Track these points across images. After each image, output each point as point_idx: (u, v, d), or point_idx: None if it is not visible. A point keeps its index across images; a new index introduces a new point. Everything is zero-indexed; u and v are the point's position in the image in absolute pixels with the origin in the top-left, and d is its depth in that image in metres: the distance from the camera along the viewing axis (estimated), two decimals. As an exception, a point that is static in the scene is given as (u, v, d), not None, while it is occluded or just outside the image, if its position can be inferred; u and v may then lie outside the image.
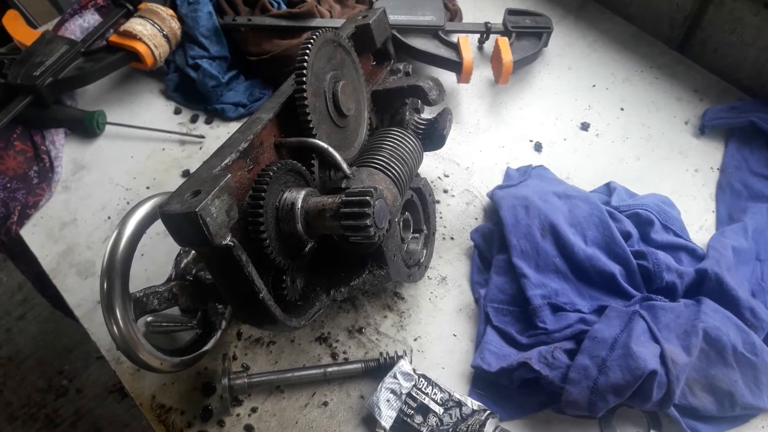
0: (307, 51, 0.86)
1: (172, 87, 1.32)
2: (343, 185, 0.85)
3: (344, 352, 1.03)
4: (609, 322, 0.93)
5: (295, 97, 0.86)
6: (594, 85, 1.35)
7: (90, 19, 1.37)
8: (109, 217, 1.18)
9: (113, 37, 1.25)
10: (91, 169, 1.24)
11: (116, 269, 0.82)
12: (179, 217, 0.67)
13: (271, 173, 0.77)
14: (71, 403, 2.42)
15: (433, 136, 1.09)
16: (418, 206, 1.05)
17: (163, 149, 1.26)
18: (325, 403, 0.98)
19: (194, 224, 0.67)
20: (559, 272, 1.01)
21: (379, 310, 1.07)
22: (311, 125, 0.86)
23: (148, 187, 1.21)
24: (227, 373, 0.95)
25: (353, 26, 1.10)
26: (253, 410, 0.98)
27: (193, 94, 1.31)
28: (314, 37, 0.89)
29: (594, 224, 1.03)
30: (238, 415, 0.98)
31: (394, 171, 0.91)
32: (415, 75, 1.19)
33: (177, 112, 1.32)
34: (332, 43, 0.93)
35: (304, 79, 0.85)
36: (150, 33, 1.24)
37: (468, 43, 1.27)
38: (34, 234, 1.16)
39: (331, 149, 0.86)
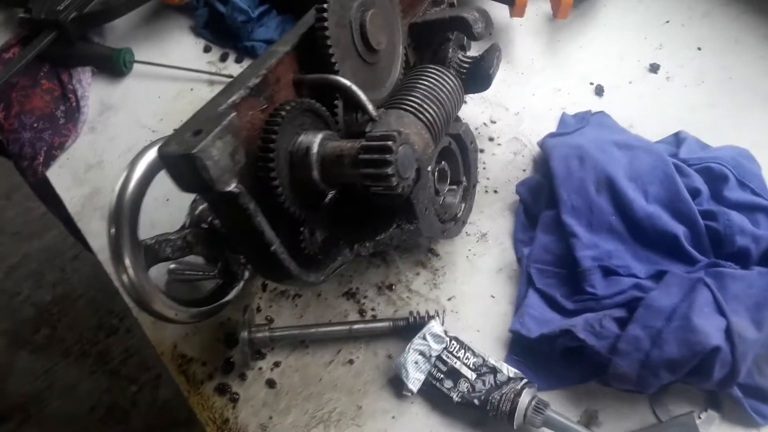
0: (331, -25, 0.76)
1: (202, 23, 1.24)
2: (368, 129, 0.76)
3: (372, 309, 0.96)
4: (668, 289, 0.82)
5: (315, 27, 0.76)
6: (667, 21, 1.19)
7: (119, -51, 1.29)
8: (135, 160, 1.13)
9: (139, -32, 1.18)
10: (119, 109, 1.19)
11: (124, 214, 0.76)
12: (177, 159, 0.60)
13: (284, 113, 0.69)
14: (121, 341, 2.49)
15: (477, 75, 0.98)
16: (457, 155, 0.94)
17: (192, 89, 1.20)
18: (351, 361, 0.92)
19: (193, 167, 0.60)
20: (614, 232, 0.90)
21: (412, 267, 0.99)
22: (333, 60, 0.77)
23: (174, 129, 1.15)
24: (248, 326, 0.90)
25: (391, -49, 0.98)
26: (276, 365, 0.93)
27: (222, 31, 1.23)
28: (339, -41, 0.78)
29: (657, 178, 0.90)
30: (260, 369, 0.93)
31: (427, 114, 0.81)
32: (461, 6, 1.07)
33: (206, 50, 1.24)
34: (362, -33, 0.82)
35: (326, 5, 0.75)
36: (177, -37, 1.16)
37: (523, -28, 1.12)
38: (59, 176, 1.13)
39: (354, 87, 0.76)
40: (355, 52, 0.82)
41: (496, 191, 1.04)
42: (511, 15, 1.14)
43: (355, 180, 0.69)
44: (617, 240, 0.89)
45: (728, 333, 0.77)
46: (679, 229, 0.87)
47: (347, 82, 0.76)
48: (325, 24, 0.75)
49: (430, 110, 0.82)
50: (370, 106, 0.77)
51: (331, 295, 0.97)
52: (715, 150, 0.96)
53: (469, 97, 1.13)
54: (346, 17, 0.80)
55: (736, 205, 0.89)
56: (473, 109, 1.12)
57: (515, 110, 1.12)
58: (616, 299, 0.85)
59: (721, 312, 0.77)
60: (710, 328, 0.76)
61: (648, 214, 0.88)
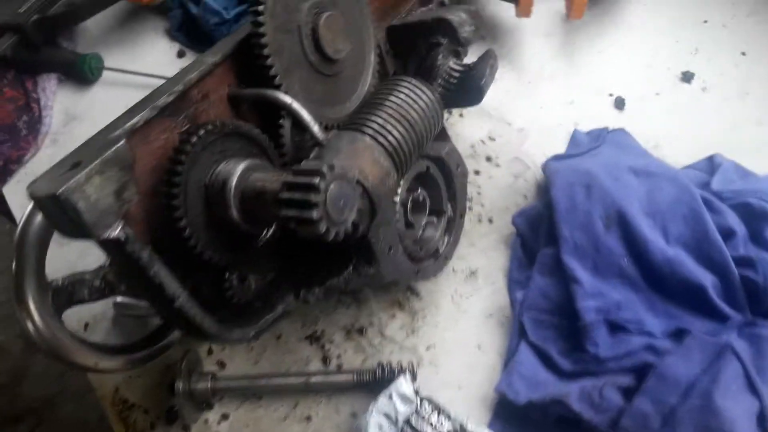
0: (270, -31, 0.63)
1: (176, 26, 1.14)
2: (312, 156, 0.63)
3: (338, 357, 0.83)
4: (687, 355, 0.66)
5: (250, 34, 0.63)
6: (706, 21, 1.01)
7: (95, -55, 1.19)
8: (95, 177, 1.02)
9: (107, -34, 1.07)
10: (84, 120, 1.09)
11: (29, 250, 0.66)
12: (43, 201, 0.48)
13: (195, 138, 0.56)
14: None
15: (467, 87, 0.83)
16: (439, 181, 0.80)
17: (162, 98, 1.08)
18: (309, 418, 0.79)
19: (62, 210, 0.48)
20: (625, 278, 0.74)
21: (387, 307, 0.85)
22: (273, 72, 0.63)
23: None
24: (187, 376, 0.78)
25: (369, -60, 0.84)
26: (224, 417, 0.81)
27: (198, 35, 1.12)
28: (287, -51, 0.65)
29: (681, 215, 0.74)
30: (206, 421, 0.81)
31: (389, 137, 0.67)
32: (454, 5, 0.92)
33: (180, 54, 1.13)
34: (318, -40, 0.69)
35: (261, 8, 0.62)
36: (146, -40, 1.05)
37: (531, -36, 0.97)
38: (15, 193, 1.04)
39: (295, 105, 0.63)
40: (307, 62, 0.68)
41: (491, 220, 0.89)
42: (517, 14, 0.99)
43: (280, 222, 0.55)
44: (628, 288, 0.74)
45: (762, 420, 0.60)
46: (708, 279, 0.71)
47: (287, 99, 0.63)
48: (261, 30, 0.62)
49: (395, 132, 0.68)
50: (315, 128, 0.63)
51: (292, 338, 0.84)
52: (757, 180, 0.79)
53: (467, 110, 0.99)
54: (292, 21, 0.66)
55: (780, 250, 0.72)
56: (470, 124, 0.97)
57: (519, 125, 0.96)
58: (623, 363, 0.69)
59: (754, 390, 0.61)
60: (737, 412, 0.61)
61: (668, 258, 0.72)
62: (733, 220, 0.73)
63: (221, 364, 0.84)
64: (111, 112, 1.08)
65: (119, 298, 0.88)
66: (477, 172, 0.93)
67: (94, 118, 1.09)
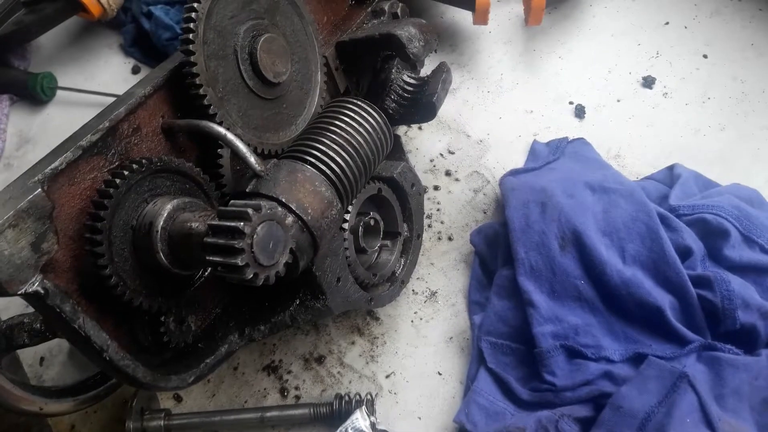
0: (199, -5, 0.60)
1: (130, 41, 1.10)
2: (249, 188, 0.60)
3: (296, 388, 0.80)
4: (643, 385, 0.64)
5: (182, 63, 0.61)
6: (667, 23, 0.99)
7: (45, -40, 1.15)
8: (48, 202, 1.00)
9: (54, -18, 1.04)
10: (38, 143, 1.06)
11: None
12: (-47, 256, 0.46)
13: (119, 179, 0.53)
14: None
15: (420, 103, 0.81)
16: (393, 202, 0.78)
17: (115, 118, 1.05)
18: (267, 453, 0.77)
19: (-29, 268, 0.46)
20: (582, 300, 0.72)
21: (346, 334, 0.83)
22: (206, 101, 0.61)
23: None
24: (138, 414, 0.76)
25: (315, -46, 0.82)
26: (182, 454, 0.79)
27: (152, 50, 1.08)
28: (218, -29, 0.62)
29: (638, 233, 0.72)
30: (163, 458, 0.79)
31: (333, 164, 0.64)
32: (404, 19, 0.89)
33: (135, 71, 1.10)
34: (253, -19, 0.66)
35: (191, 36, 0.59)
36: (94, -25, 1.02)
37: (488, -29, 0.94)
38: (-34, 221, 1.00)
39: (230, 136, 0.60)
40: (245, 87, 0.66)
41: (450, 238, 0.87)
42: (474, 22, 0.96)
43: (207, 266, 0.53)
44: (586, 311, 0.72)
45: (719, 452, 0.59)
46: (665, 300, 0.69)
47: (221, 130, 0.60)
48: (192, 59, 0.59)
49: (338, 159, 0.65)
50: (251, 159, 0.61)
51: (249, 368, 0.82)
52: (716, 194, 0.77)
53: (426, 123, 0.96)
54: (228, 46, 0.63)
55: (739, 267, 0.70)
56: (429, 137, 0.95)
57: (478, 137, 0.94)
58: (580, 392, 0.68)
59: (709, 424, 0.59)
60: (695, 446, 0.59)
61: (625, 280, 0.70)
62: (690, 238, 0.71)
63: (177, 398, 0.82)
64: (65, 132, 1.05)
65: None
66: (436, 188, 0.91)
67: (48, 141, 1.06)
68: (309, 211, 0.60)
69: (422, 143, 0.95)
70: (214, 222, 0.50)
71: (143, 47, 1.10)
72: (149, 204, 0.56)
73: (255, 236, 0.49)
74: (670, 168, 0.83)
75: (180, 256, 0.55)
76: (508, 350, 0.74)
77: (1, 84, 1.08)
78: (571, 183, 0.77)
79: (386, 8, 0.87)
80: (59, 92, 1.10)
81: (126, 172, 0.54)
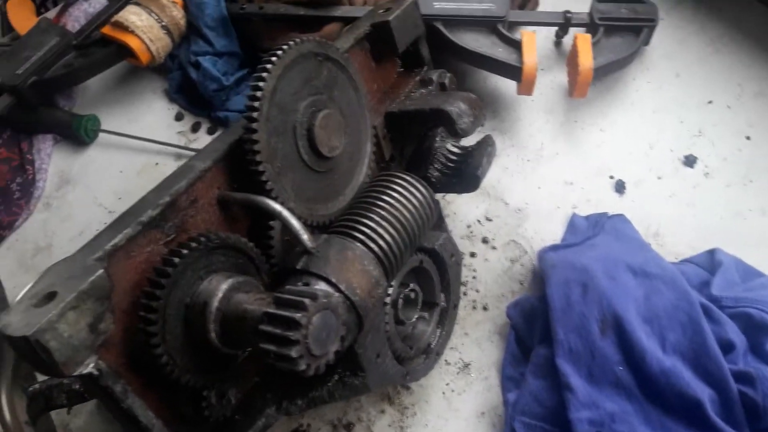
0: (265, 74, 0.61)
1: (175, 88, 1.12)
2: (300, 265, 0.61)
3: (325, 454, 0.80)
4: (685, 484, 0.63)
5: (243, 139, 0.62)
6: (710, 102, 0.99)
7: (98, 3, 1.19)
8: (86, 244, 1.01)
9: (106, 29, 1.06)
10: (77, 184, 1.08)
11: (6, 352, 0.64)
12: (14, 339, 0.47)
13: (178, 258, 0.54)
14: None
15: (463, 174, 0.81)
16: (432, 273, 0.78)
17: (156, 164, 1.07)
18: None
19: (32, 351, 0.46)
20: (620, 387, 0.71)
21: (376, 402, 0.82)
22: (264, 177, 0.62)
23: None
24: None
25: (368, 24, 0.83)
26: None
27: (197, 98, 1.10)
28: (281, 50, 0.64)
29: (679, 323, 0.71)
30: None
31: (381, 242, 0.65)
32: (454, 87, 0.91)
33: (178, 117, 1.12)
34: (314, 58, 0.68)
35: (257, 114, 0.60)
36: (145, 24, 1.04)
37: (533, 42, 0.95)
38: (5, 259, 1.02)
39: (285, 213, 0.61)
40: (300, 162, 0.67)
41: (485, 308, 0.87)
42: (519, 92, 0.97)
43: (259, 352, 0.53)
44: (624, 398, 0.71)
45: None
46: (705, 393, 0.68)
47: (277, 207, 0.61)
48: (255, 137, 0.60)
49: (386, 236, 0.66)
50: (304, 236, 0.61)
51: (277, 431, 0.82)
52: (760, 285, 0.76)
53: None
54: (287, 122, 0.65)
55: (783, 365, 0.69)
56: (467, 202, 0.96)
57: (517, 206, 0.94)
58: (617, 486, 0.66)
59: None
60: None
61: (665, 370, 0.69)
62: (733, 332, 0.70)
63: (205, 456, 0.82)
64: (104, 175, 1.08)
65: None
66: (473, 255, 0.91)
67: (88, 183, 1.08)
68: (357, 291, 0.61)
69: (459, 208, 0.95)
70: (270, 310, 0.50)
71: (188, 95, 1.12)
72: (204, 281, 0.57)
73: (310, 327, 0.50)
74: (711, 252, 0.83)
75: (231, 336, 0.56)
76: (542, 432, 0.74)
77: (47, 124, 1.11)
78: (613, 264, 0.77)
79: (434, 78, 0.88)
80: (102, 135, 1.12)
81: (185, 251, 0.55)
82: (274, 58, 0.63)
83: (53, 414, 0.86)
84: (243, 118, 0.62)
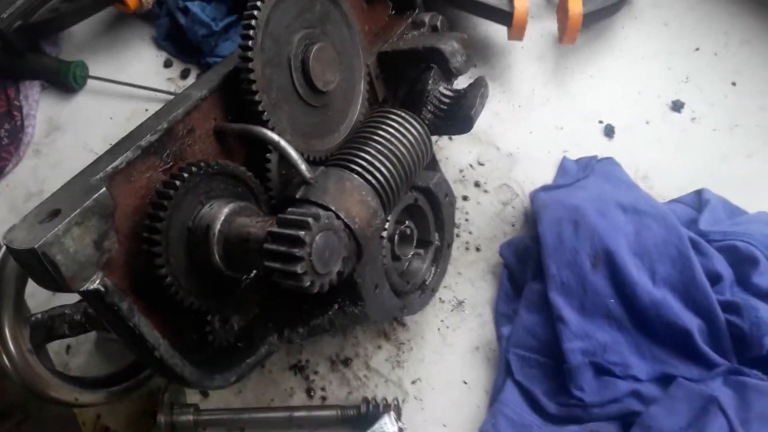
0: (258, 3, 0.61)
1: (163, 34, 1.11)
2: (299, 195, 0.62)
3: (323, 389, 0.82)
4: (672, 406, 0.66)
5: (238, 68, 0.62)
6: (697, 48, 1.01)
7: (81, -52, 1.16)
8: (77, 191, 1.00)
9: (92, -27, 1.04)
10: (66, 130, 1.07)
11: (8, 283, 0.64)
12: (21, 253, 0.47)
13: (179, 181, 0.54)
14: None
15: (457, 115, 0.82)
16: (427, 212, 0.79)
17: (146, 110, 1.06)
18: (292, 452, 0.79)
19: (39, 264, 0.47)
20: (611, 318, 0.74)
21: (373, 338, 0.84)
22: (261, 108, 0.62)
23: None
24: (169, 408, 0.77)
25: (361, -37, 0.83)
26: (206, 449, 0.80)
27: (185, 44, 1.09)
28: (276, -20, 0.63)
29: (669, 256, 0.73)
30: (187, 452, 0.80)
31: (378, 175, 0.66)
32: (446, 29, 0.91)
33: (167, 64, 1.11)
34: (308, -11, 0.67)
35: (251, 43, 0.60)
36: (133, -32, 1.02)
37: (526, -13, 0.95)
38: (-5, 205, 1.01)
39: (283, 143, 0.61)
40: (295, 94, 0.67)
41: (478, 249, 0.89)
42: (509, 37, 0.97)
43: (263, 271, 0.54)
44: (615, 329, 0.73)
45: (746, 474, 0.60)
46: (693, 323, 0.71)
47: (275, 137, 0.61)
48: (250, 65, 0.60)
49: (383, 169, 0.66)
50: (303, 166, 0.62)
51: (276, 367, 0.83)
52: (745, 221, 0.79)
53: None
54: (282, 54, 0.65)
55: (767, 294, 0.72)
56: (459, 147, 0.96)
57: (508, 150, 0.95)
58: (608, 409, 0.69)
59: (739, 448, 0.61)
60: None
61: (655, 301, 0.71)
62: (720, 264, 0.73)
63: (204, 393, 0.83)
64: (94, 122, 1.07)
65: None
66: (465, 198, 0.92)
67: (78, 129, 1.06)
68: (356, 220, 0.61)
69: (452, 153, 0.96)
70: (274, 229, 0.51)
71: (176, 41, 1.10)
72: (205, 206, 0.57)
73: (314, 245, 0.51)
74: (698, 192, 0.85)
75: (234, 259, 0.56)
76: (535, 364, 0.76)
77: (34, 70, 1.09)
78: (603, 203, 0.79)
79: (426, 20, 0.88)
80: (90, 81, 1.10)
81: (186, 175, 0.55)
82: (269, -14, 0.62)
83: (52, 354, 0.87)
84: (238, 48, 0.62)
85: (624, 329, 0.73)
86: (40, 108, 1.09)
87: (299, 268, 0.50)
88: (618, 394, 0.69)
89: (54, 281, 0.48)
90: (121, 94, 1.08)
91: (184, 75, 1.09)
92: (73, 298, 0.72)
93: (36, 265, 0.47)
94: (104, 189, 0.50)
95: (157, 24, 1.12)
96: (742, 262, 0.73)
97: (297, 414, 0.78)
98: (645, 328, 0.72)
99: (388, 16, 0.89)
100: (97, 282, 0.50)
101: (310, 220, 0.50)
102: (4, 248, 0.65)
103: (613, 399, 0.69)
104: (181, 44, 1.10)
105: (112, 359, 0.88)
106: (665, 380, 0.70)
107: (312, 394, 0.81)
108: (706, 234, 0.76)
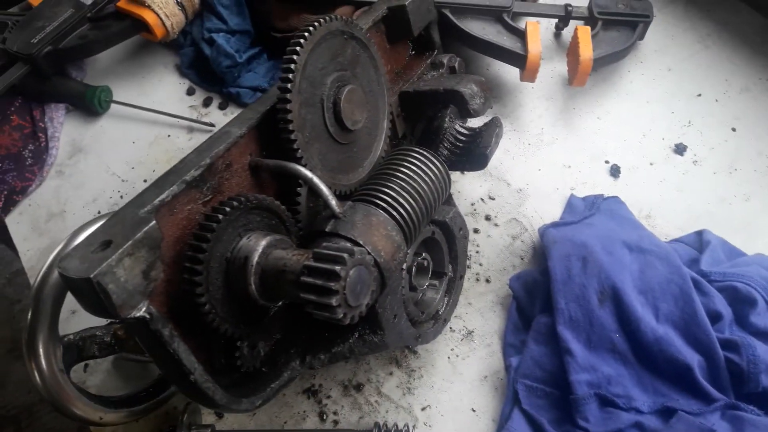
0: (298, 48, 0.65)
1: (187, 63, 1.15)
2: (328, 228, 0.65)
3: (335, 413, 0.84)
4: (674, 438, 0.69)
5: (276, 109, 0.65)
6: (699, 95, 1.06)
7: (110, -23, 1.20)
8: (99, 212, 1.04)
9: (122, 2, 1.08)
10: (89, 153, 1.10)
11: (45, 304, 0.67)
12: (75, 281, 0.50)
13: (222, 215, 0.58)
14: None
15: (473, 153, 0.86)
16: (442, 244, 0.83)
17: (169, 136, 1.10)
18: (304, 475, 0.81)
19: (92, 292, 0.50)
20: (616, 353, 0.77)
21: (385, 365, 0.87)
22: (296, 146, 0.66)
23: (145, 180, 1.06)
24: (186, 428, 0.79)
25: (385, 7, 0.87)
26: (220, 470, 0.82)
27: (208, 73, 1.13)
28: (312, 26, 0.67)
29: (671, 294, 0.77)
30: (202, 472, 0.82)
31: (402, 210, 0.70)
32: (463, 71, 0.96)
33: (190, 92, 1.15)
34: (340, 35, 0.72)
35: (290, 86, 0.64)
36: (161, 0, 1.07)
37: (537, 32, 1.00)
38: (19, 224, 1.04)
39: (316, 180, 0.65)
40: (326, 133, 0.71)
41: (488, 280, 0.92)
42: (522, 78, 1.02)
43: (298, 302, 0.57)
44: (619, 362, 0.77)
45: (743, 506, 0.64)
46: (694, 359, 0.74)
47: (308, 174, 0.65)
48: (288, 106, 0.64)
49: (406, 205, 0.70)
50: (333, 201, 0.66)
51: (290, 391, 0.86)
52: (744, 263, 0.83)
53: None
54: (316, 95, 0.69)
55: (764, 334, 0.76)
56: (471, 182, 1.00)
57: (518, 186, 1.00)
58: (612, 440, 0.72)
59: (737, 480, 0.64)
60: (721, 498, 0.64)
61: (657, 337, 0.75)
62: (721, 303, 0.77)
63: (219, 415, 0.86)
64: (117, 145, 1.10)
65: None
66: (476, 231, 0.96)
67: (101, 152, 1.10)
68: (382, 253, 0.65)
69: (464, 187, 1.00)
70: (311, 263, 0.55)
71: (199, 70, 1.14)
72: (243, 238, 0.61)
73: (348, 279, 0.54)
74: (699, 233, 0.89)
75: (269, 289, 0.60)
76: (542, 394, 0.79)
77: (59, 94, 1.12)
78: (610, 241, 0.83)
79: (445, 61, 0.93)
80: (113, 106, 1.14)
81: (227, 209, 0.59)
82: (306, 34, 0.67)
83: (71, 372, 0.90)
84: (277, 89, 0.66)
85: (628, 363, 0.76)
86: (64, 130, 1.12)
87: (334, 301, 0.53)
88: (621, 425, 0.72)
89: (104, 308, 0.51)
90: (144, 119, 1.12)
91: (207, 103, 1.13)
92: (94, 321, 0.75)
93: (89, 292, 0.50)
94: (154, 222, 0.53)
95: (181, 53, 1.16)
96: (741, 302, 0.77)
97: (311, 437, 0.80)
98: (648, 362, 0.76)
99: (408, 57, 0.93)
100: (143, 309, 0.53)
101: (345, 255, 0.54)
102: (42, 272, 0.68)
103: (616, 430, 0.72)
104: (204, 73, 1.14)
105: (129, 379, 0.90)
106: (666, 413, 0.73)
107: (324, 417, 0.84)
108: (707, 274, 0.80)
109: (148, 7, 1.06)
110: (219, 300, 0.59)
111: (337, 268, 0.53)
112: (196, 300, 0.57)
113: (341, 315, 0.54)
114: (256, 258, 0.59)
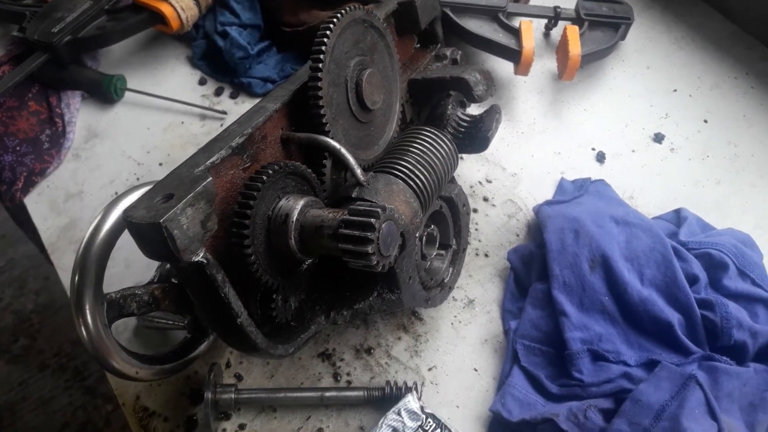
0: (328, 32, 0.73)
1: (199, 55, 1.21)
2: (354, 194, 0.72)
3: (348, 374, 0.91)
4: (658, 383, 0.77)
5: (308, 86, 0.73)
6: (675, 90, 1.16)
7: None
8: (116, 192, 1.09)
9: (139, -5, 1.15)
10: (105, 138, 1.15)
11: (91, 264, 0.72)
12: (143, 227, 0.56)
13: (265, 177, 0.65)
14: (99, 359, 2.43)
15: (475, 136, 0.94)
16: (448, 218, 0.91)
17: (182, 123, 1.16)
18: (320, 430, 0.87)
19: (159, 237, 0.56)
20: (606, 313, 0.85)
21: (393, 330, 0.94)
22: (324, 120, 0.73)
23: (161, 164, 1.12)
24: (213, 386, 0.85)
25: (395, 2, 0.95)
26: (241, 427, 0.88)
27: (220, 65, 1.20)
28: (340, 14, 0.75)
29: (654, 261, 0.86)
30: (224, 430, 0.88)
31: (417, 180, 0.77)
32: (464, 63, 1.04)
33: (201, 82, 1.21)
34: (362, 24, 0.79)
35: (321, 65, 0.72)
36: (178, -7, 1.13)
37: (531, 30, 1.10)
38: (37, 204, 1.09)
39: (344, 151, 0.72)
40: (349, 111, 0.78)
41: (486, 255, 1.00)
42: (516, 72, 1.11)
43: (334, 253, 0.65)
44: (608, 322, 0.85)
45: (719, 439, 0.72)
46: (674, 317, 0.83)
47: (337, 145, 0.73)
48: (319, 83, 0.72)
49: (421, 176, 0.78)
50: (358, 170, 0.73)
51: (305, 354, 0.93)
52: (717, 234, 0.93)
53: (467, 155, 1.10)
54: (341, 76, 0.76)
55: (735, 295, 0.85)
56: (469, 166, 1.09)
57: (512, 171, 1.08)
58: (604, 388, 0.81)
59: (713, 415, 0.73)
60: (700, 432, 0.72)
61: (642, 299, 0.84)
62: (697, 268, 0.86)
63: (239, 377, 0.92)
64: (132, 131, 1.16)
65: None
66: (475, 210, 1.04)
67: (116, 137, 1.15)
68: (403, 217, 0.72)
69: (463, 171, 1.08)
70: (348, 218, 0.62)
71: (211, 62, 1.21)
72: (282, 199, 0.67)
73: (381, 231, 0.62)
74: (677, 211, 0.99)
75: (307, 243, 0.67)
76: (539, 352, 0.87)
77: (76, 81, 1.18)
78: (599, 215, 0.91)
79: (448, 54, 1.01)
80: (128, 94, 1.19)
81: (270, 171, 0.66)
82: (335, 20, 0.74)
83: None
84: (309, 68, 0.73)
85: (616, 322, 0.85)
86: (80, 116, 1.18)
87: (370, 248, 0.60)
88: (611, 375, 0.81)
89: (168, 252, 0.57)
90: (157, 106, 1.18)
91: (218, 93, 1.20)
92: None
93: (155, 237, 0.56)
94: (210, 179, 0.60)
95: (193, 45, 1.22)
96: (714, 267, 0.86)
97: (327, 394, 0.87)
98: (634, 321, 0.84)
99: (414, 49, 1.01)
100: (201, 255, 0.59)
101: (379, 210, 0.62)
102: (89, 232, 0.74)
103: (607, 380, 0.80)
104: (215, 64, 1.21)
105: (149, 346, 0.96)
106: (650, 365, 0.81)
107: (339, 378, 0.91)
108: (685, 243, 0.89)
109: (165, 0, 1.13)
110: (261, 253, 0.66)
111: (372, 220, 0.61)
112: (244, 251, 0.64)
113: (375, 262, 0.61)
114: (295, 215, 0.66)
